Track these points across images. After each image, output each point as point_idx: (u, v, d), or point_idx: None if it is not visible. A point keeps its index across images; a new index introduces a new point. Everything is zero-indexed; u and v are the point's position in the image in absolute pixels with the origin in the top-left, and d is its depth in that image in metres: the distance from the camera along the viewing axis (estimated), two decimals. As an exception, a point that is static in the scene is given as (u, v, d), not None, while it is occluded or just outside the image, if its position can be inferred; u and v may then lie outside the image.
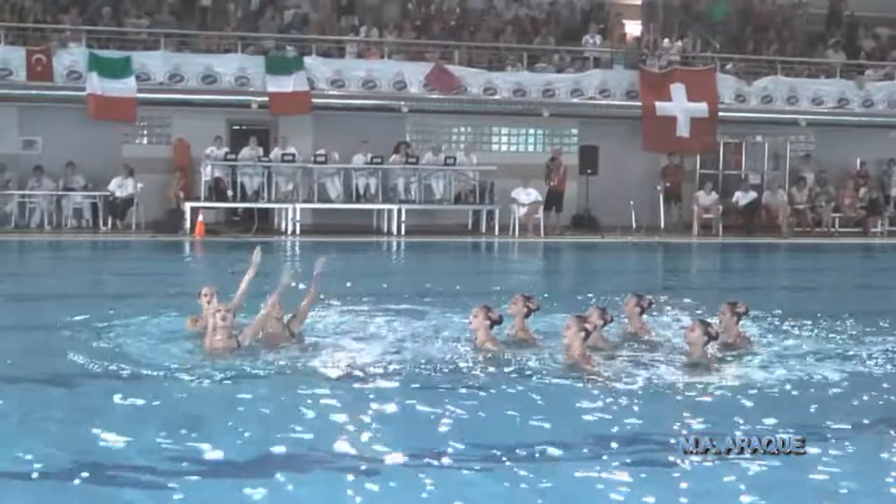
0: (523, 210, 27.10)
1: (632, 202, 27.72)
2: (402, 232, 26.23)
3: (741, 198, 28.87)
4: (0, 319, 12.66)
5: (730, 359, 10.25)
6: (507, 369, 9.60)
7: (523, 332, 10.75)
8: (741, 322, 10.96)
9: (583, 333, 9.46)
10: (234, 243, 24.11)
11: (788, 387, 9.16)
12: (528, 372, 9.51)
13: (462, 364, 9.83)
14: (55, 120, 26.44)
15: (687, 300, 14.30)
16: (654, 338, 11.19)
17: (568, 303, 11.67)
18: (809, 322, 12.63)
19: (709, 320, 10.39)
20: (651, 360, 10.10)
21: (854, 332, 11.97)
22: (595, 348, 9.99)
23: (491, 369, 9.61)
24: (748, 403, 8.50)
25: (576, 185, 29.09)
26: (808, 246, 27.09)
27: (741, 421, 7.86)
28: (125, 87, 26.22)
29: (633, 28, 32.79)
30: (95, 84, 25.95)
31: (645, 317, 11.46)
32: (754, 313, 12.92)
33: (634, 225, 27.74)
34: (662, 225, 28.62)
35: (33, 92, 25.99)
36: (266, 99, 27.00)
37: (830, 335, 11.84)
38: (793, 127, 30.71)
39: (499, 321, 10.29)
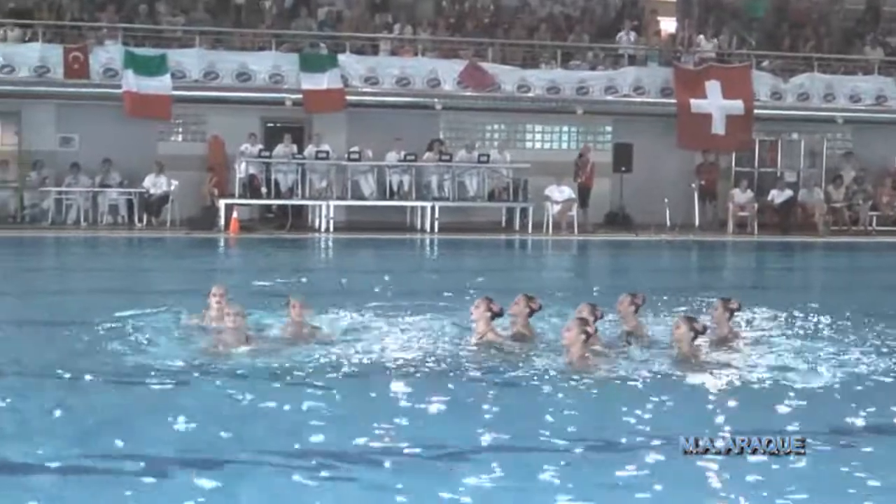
0: (557, 207, 27.02)
1: (666, 200, 27.60)
2: (436, 229, 26.24)
3: (777, 196, 28.67)
4: (29, 314, 12.71)
5: (723, 356, 10.17)
6: (505, 366, 9.58)
7: (526, 331, 10.73)
8: (733, 318, 10.90)
9: (583, 336, 9.41)
10: (269, 240, 24.25)
11: (787, 386, 9.08)
12: (526, 370, 9.48)
13: (461, 359, 9.83)
14: (92, 117, 26.62)
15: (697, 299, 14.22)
16: (648, 336, 11.13)
17: (600, 301, 11.58)
18: (830, 320, 12.53)
19: (697, 316, 10.31)
20: (646, 359, 10.04)
21: (871, 332, 11.82)
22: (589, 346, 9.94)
23: (489, 364, 9.59)
24: (743, 403, 8.46)
25: (610, 183, 28.99)
26: (844, 244, 26.88)
27: (739, 420, 7.84)
28: (161, 85, 26.33)
29: (667, 25, 32.67)
30: (131, 81, 26.08)
31: (639, 317, 11.43)
32: (776, 312, 12.87)
33: (669, 223, 27.61)
34: (697, 223, 28.47)
35: (70, 89, 26.14)
36: (300, 96, 27.04)
37: (845, 334, 11.70)
38: (830, 124, 30.47)
39: (500, 313, 10.34)
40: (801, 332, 11.88)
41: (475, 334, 10.37)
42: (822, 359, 10.27)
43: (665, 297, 13.85)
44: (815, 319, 12.60)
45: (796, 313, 12.98)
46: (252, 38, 28.52)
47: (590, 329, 9.52)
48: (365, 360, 9.70)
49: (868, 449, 7.29)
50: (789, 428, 7.50)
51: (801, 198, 29.04)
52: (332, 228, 25.74)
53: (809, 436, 7.21)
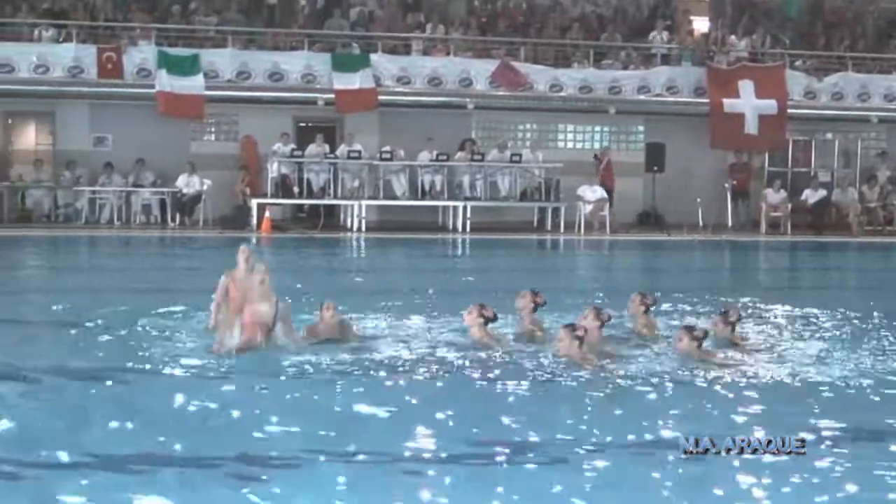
0: (589, 207, 26.96)
1: (698, 200, 27.45)
2: (468, 229, 26.23)
3: (810, 196, 28.50)
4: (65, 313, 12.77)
5: (734, 358, 10.08)
6: (502, 367, 9.53)
7: (532, 326, 10.74)
8: (736, 329, 10.82)
9: (576, 342, 9.46)
10: (301, 239, 24.31)
11: (796, 386, 9.00)
12: (524, 371, 9.43)
13: (456, 361, 9.80)
14: (125, 117, 26.78)
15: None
16: (659, 336, 11.06)
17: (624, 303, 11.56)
18: (858, 321, 12.42)
19: (696, 325, 10.22)
20: (654, 358, 9.98)
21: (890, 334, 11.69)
22: (594, 348, 9.90)
23: (485, 365, 9.55)
24: (747, 403, 8.39)
25: (642, 183, 28.90)
26: (878, 245, 26.68)
27: (742, 420, 7.78)
28: (194, 85, 26.47)
29: (700, 24, 32.54)
30: (164, 81, 26.22)
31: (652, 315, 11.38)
32: (806, 312, 12.76)
33: (701, 223, 27.47)
34: (729, 223, 28.33)
35: (104, 89, 26.33)
36: (332, 96, 27.10)
37: (872, 334, 11.57)
38: (864, 124, 30.28)
39: (493, 318, 10.36)
40: (825, 332, 11.76)
41: (471, 338, 10.41)
42: (843, 360, 10.14)
43: (693, 298, 13.79)
44: (843, 320, 12.48)
45: (824, 313, 12.88)
46: (284, 38, 28.61)
47: (579, 333, 9.51)
48: (383, 363, 9.65)
49: (871, 450, 7.23)
50: (790, 428, 7.43)
51: (834, 198, 28.86)
52: (363, 228, 25.78)
53: (815, 436, 7.17)
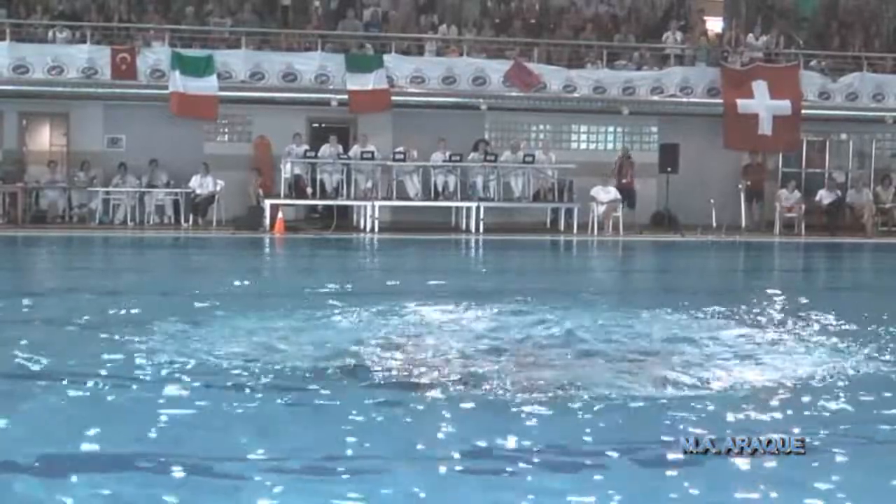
0: (602, 208, 26.94)
1: (712, 201, 27.40)
2: (481, 229, 26.24)
3: (825, 196, 28.41)
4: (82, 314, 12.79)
5: (739, 356, 10.00)
6: (499, 363, 9.43)
7: None
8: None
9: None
10: (314, 240, 24.34)
11: (796, 386, 8.93)
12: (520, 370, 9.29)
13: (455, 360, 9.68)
14: (139, 118, 26.88)
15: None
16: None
17: (639, 302, 11.50)
18: (867, 322, 12.33)
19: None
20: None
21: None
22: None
23: (486, 360, 9.44)
24: (749, 403, 8.34)
25: (656, 183, 28.86)
26: (893, 246, 26.57)
27: (744, 420, 7.75)
28: (207, 86, 26.53)
29: (714, 24, 32.48)
30: (178, 82, 26.31)
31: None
32: (814, 312, 12.69)
33: (715, 224, 27.41)
34: (743, 224, 28.28)
35: (118, 90, 26.45)
36: (346, 97, 27.14)
37: (875, 336, 11.48)
38: (879, 124, 30.17)
39: None
40: (835, 333, 11.66)
41: None
42: (850, 360, 10.05)
43: (702, 298, 13.76)
44: (854, 321, 12.39)
45: (835, 314, 12.79)
46: (298, 39, 28.65)
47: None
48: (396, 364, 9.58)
49: (872, 452, 7.20)
50: (792, 428, 7.39)
51: (849, 198, 28.78)
52: (376, 229, 25.80)
53: (817, 437, 7.13)
